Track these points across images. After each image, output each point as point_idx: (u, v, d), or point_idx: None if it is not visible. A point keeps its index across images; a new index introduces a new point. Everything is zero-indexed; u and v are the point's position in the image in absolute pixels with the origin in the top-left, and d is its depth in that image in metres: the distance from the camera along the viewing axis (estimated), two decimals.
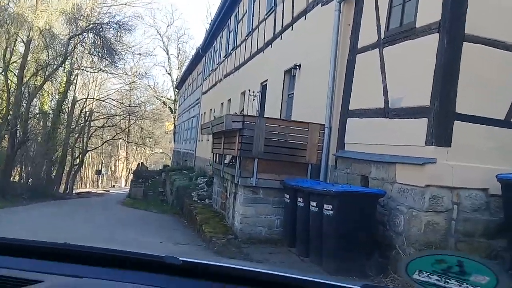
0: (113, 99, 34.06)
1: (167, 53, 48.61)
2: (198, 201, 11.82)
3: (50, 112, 25.62)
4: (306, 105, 9.28)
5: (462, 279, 1.49)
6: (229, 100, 17.78)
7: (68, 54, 18.54)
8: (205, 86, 25.71)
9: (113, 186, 59.61)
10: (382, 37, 6.60)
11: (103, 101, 33.73)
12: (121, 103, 35.33)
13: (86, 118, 36.32)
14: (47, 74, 18.80)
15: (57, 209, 15.68)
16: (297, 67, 9.70)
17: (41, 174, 27.12)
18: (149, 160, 64.35)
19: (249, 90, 13.70)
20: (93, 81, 33.90)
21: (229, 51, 19.19)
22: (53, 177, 31.46)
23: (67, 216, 12.97)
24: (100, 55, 19.67)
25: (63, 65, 20.17)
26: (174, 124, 48.40)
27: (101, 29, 18.99)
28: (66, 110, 31.41)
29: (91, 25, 18.86)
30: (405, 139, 5.94)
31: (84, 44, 20.59)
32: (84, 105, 34.42)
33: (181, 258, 1.38)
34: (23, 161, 24.24)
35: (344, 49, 7.88)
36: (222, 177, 9.71)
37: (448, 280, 1.49)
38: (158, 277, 1.37)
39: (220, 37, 21.53)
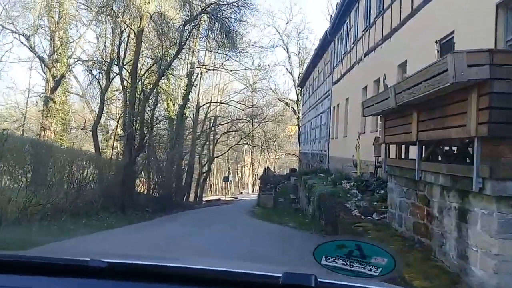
0: (236, 101, 31.84)
1: (287, 51, 45.55)
2: (361, 215, 7.93)
3: (174, 117, 23.93)
4: None
5: (364, 262, 1.52)
6: (376, 80, 13.64)
7: (183, 43, 16.17)
8: (335, 75, 21.76)
9: (241, 192, 58.58)
10: None
11: (227, 103, 31.70)
12: (244, 104, 33.00)
13: (211, 123, 34.88)
14: (162, 68, 16.67)
15: (179, 226, 13.08)
16: None
17: (169, 184, 25.73)
18: (274, 164, 62.18)
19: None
20: (216, 84, 32.14)
21: (370, 22, 15.03)
22: (182, 185, 30.27)
23: (187, 237, 10.08)
24: (219, 39, 16.97)
25: (178, 57, 17.88)
26: (298, 125, 45.19)
27: (219, 10, 16.30)
28: (190, 116, 29.98)
29: (208, 7, 16.22)
30: None
31: (201, 29, 18.20)
32: (208, 110, 32.87)
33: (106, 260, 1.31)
34: (150, 171, 22.80)
35: None
36: (414, 181, 5.68)
37: (352, 264, 1.53)
38: (85, 282, 1.32)
39: (356, 10, 17.44)
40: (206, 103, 31.70)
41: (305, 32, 63.44)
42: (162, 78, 19.71)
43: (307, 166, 29.99)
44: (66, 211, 10.87)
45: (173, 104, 24.41)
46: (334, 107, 21.87)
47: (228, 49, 19.10)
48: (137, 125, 16.34)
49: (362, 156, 14.38)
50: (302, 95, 42.36)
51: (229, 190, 56.46)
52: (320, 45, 26.50)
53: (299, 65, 46.18)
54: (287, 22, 38.41)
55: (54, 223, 10.04)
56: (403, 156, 6.54)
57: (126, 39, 16.80)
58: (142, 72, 16.96)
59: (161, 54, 16.39)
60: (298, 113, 45.64)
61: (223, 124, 36.84)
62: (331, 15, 45.04)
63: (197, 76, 25.70)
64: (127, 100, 16.28)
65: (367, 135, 14.61)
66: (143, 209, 17.28)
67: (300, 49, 46.20)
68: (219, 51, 21.73)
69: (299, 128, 45.39)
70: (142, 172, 20.78)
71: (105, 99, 18.19)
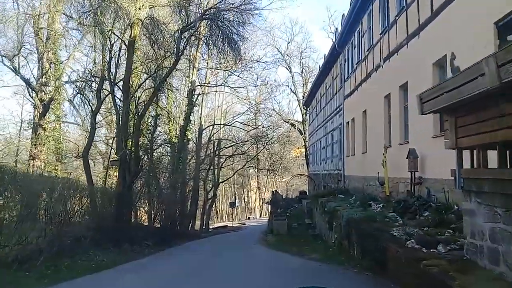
0: (240, 122, 30.02)
1: (290, 71, 44.17)
2: (421, 247, 5.90)
3: (175, 140, 22.03)
4: None
5: None
6: (403, 85, 11.76)
7: (181, 52, 14.34)
8: (347, 89, 19.97)
9: (248, 218, 56.17)
10: None
11: (230, 125, 29.88)
12: (248, 125, 31.17)
13: (215, 147, 33.02)
14: (158, 81, 14.81)
15: (182, 262, 11.00)
16: None
17: (172, 212, 23.66)
18: (281, 188, 59.91)
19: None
20: (218, 106, 30.43)
21: (389, 22, 13.27)
22: (187, 213, 28.15)
23: (192, 279, 8.01)
24: (220, 46, 15.19)
25: (178, 75, 16.13)
26: (305, 146, 43.31)
27: (219, 15, 14.52)
28: (193, 139, 28.15)
29: (206, 12, 14.44)
30: None
31: (201, 37, 16.41)
32: (212, 133, 31.04)
33: None
34: (151, 199, 20.79)
35: None
36: None
37: None
38: None
39: (369, 14, 15.76)
40: (209, 125, 29.90)
41: (307, 51, 61.98)
42: (160, 96, 17.96)
43: (319, 188, 27.90)
44: (44, 252, 8.86)
45: (174, 127, 22.58)
46: (347, 123, 19.99)
47: (231, 58, 17.28)
48: (132, 147, 14.41)
49: (390, 173, 12.41)
50: (308, 114, 40.62)
51: (236, 216, 54.14)
52: (327, 59, 24.85)
53: (303, 85, 44.70)
54: (289, 42, 37.16)
55: (27, 269, 8.03)
56: (488, 164, 4.58)
57: (117, 52, 15.11)
58: (137, 88, 15.16)
59: (156, 65, 14.60)
60: (305, 133, 43.86)
61: (228, 148, 34.96)
62: (334, 31, 43.92)
63: (198, 95, 23.91)
64: (120, 120, 14.43)
65: (394, 148, 12.65)
66: (142, 242, 15.19)
67: (303, 68, 44.83)
68: (220, 67, 20.02)
69: (306, 149, 43.51)
70: (141, 200, 18.73)
71: (97, 121, 16.37)
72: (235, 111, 35.53)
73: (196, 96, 22.79)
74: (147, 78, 15.64)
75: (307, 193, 34.62)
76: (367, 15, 16.06)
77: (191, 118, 24.41)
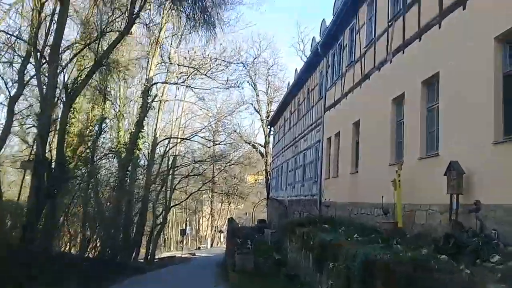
0: (201, 136, 26.17)
1: (255, 89, 41.03)
2: None
3: (123, 149, 17.91)
4: None
5: None
6: (429, 79, 8.70)
7: (136, 14, 10.45)
8: (330, 99, 16.96)
9: (199, 247, 51.47)
10: None
11: (189, 139, 26.02)
12: (208, 140, 27.46)
13: (170, 165, 28.91)
14: (98, 56, 10.81)
15: None
16: None
17: (113, 239, 19.31)
18: (236, 215, 55.81)
19: None
20: (176, 118, 26.57)
21: (401, 6, 10.36)
22: (131, 240, 23.68)
23: None
24: (190, 13, 11.51)
25: (121, 43, 12.14)
26: (266, 170, 39.94)
27: None
28: (145, 153, 24.01)
29: None
30: None
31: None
32: (167, 149, 27.01)
33: None
34: (85, 221, 16.48)
35: None
36: None
37: None
38: None
39: (369, 4, 12.86)
40: (165, 139, 25.90)
41: (275, 68, 59.19)
42: (109, 95, 14.02)
43: (286, 215, 24.40)
44: None
45: (123, 135, 18.51)
46: (329, 138, 16.87)
47: (204, 32, 13.65)
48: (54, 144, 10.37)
49: (405, 198, 9.17)
50: (273, 135, 37.54)
51: (186, 244, 49.42)
52: (304, 68, 21.89)
53: (268, 103, 41.74)
54: (255, 58, 33.87)
55: None
56: None
57: (48, 17, 11.08)
58: (70, 60, 11.17)
59: (99, 31, 10.71)
60: (267, 156, 40.63)
61: (183, 167, 30.93)
62: (303, 50, 41.61)
63: (154, 98, 19.83)
64: (42, 104, 10.37)
65: (410, 165, 9.42)
66: (62, 281, 10.95)
67: (269, 86, 41.91)
68: (185, 63, 16.29)
69: (267, 173, 40.17)
70: (68, 221, 14.37)
71: (17, 111, 12.11)
72: (194, 127, 31.80)
73: (151, 97, 18.76)
74: (85, 46, 11.66)
75: (266, 222, 31.21)
76: (366, 5, 13.19)
77: (145, 127, 20.40)
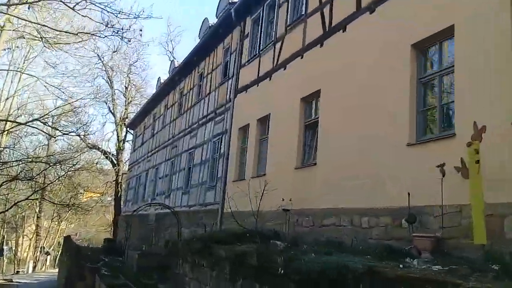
0: (43, 122, 18.73)
1: (111, 87, 34.28)
2: None
3: None
4: None
5: None
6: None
7: None
8: (246, 77, 12.76)
9: (17, 272, 40.56)
10: None
11: (26, 124, 18.42)
12: (56, 129, 20.20)
13: None
14: None
15: None
16: None
17: None
18: (70, 233, 46.23)
19: None
20: (11, 96, 18.71)
21: None
22: None
23: None
24: None
25: None
26: (117, 180, 33.06)
27: None
28: None
29: None
30: None
31: None
32: None
33: None
34: None
35: None
36: None
37: None
38: None
39: None
40: None
41: (138, 65, 51.94)
42: None
43: (153, 234, 18.74)
44: None
45: None
46: (240, 128, 12.55)
47: None
48: None
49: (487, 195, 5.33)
50: (133, 139, 31.26)
51: (0, 268, 38.60)
52: (197, 47, 17.13)
53: (126, 104, 35.23)
54: (114, 51, 27.02)
55: None
56: None
57: None
58: None
59: None
60: (119, 165, 33.89)
61: (9, 166, 22.58)
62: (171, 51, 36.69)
63: None
64: None
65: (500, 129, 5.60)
66: None
67: (129, 85, 35.46)
68: None
69: (117, 184, 33.34)
70: None
71: None
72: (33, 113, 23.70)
73: None
74: None
75: (116, 242, 25.10)
76: None
77: None
